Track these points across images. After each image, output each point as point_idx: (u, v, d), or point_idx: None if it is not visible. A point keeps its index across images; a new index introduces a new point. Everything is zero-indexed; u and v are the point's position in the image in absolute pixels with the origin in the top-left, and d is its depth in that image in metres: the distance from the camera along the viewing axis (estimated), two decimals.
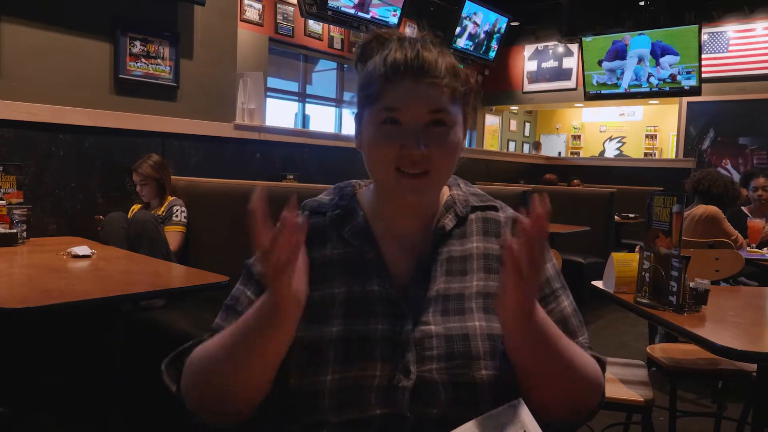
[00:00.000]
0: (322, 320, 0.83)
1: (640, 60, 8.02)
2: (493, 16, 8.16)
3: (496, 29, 8.31)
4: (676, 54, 7.70)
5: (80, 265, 2.00)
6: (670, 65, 7.78)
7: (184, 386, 0.83)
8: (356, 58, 0.91)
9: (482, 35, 8.15)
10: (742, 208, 3.79)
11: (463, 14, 7.69)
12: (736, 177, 7.73)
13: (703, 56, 7.57)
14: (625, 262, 1.85)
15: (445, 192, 0.94)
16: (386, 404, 0.79)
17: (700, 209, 3.22)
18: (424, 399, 0.79)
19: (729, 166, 8.00)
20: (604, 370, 0.92)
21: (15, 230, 2.35)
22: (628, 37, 8.09)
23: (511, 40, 9.38)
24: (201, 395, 0.82)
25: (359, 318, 0.83)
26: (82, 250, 2.12)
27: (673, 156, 9.90)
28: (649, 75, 7.99)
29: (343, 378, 0.79)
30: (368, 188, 0.95)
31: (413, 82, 0.81)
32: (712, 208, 3.20)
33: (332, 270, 0.87)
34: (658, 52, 7.86)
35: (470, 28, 7.94)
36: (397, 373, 0.79)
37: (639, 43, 8.00)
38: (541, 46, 9.95)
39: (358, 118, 0.89)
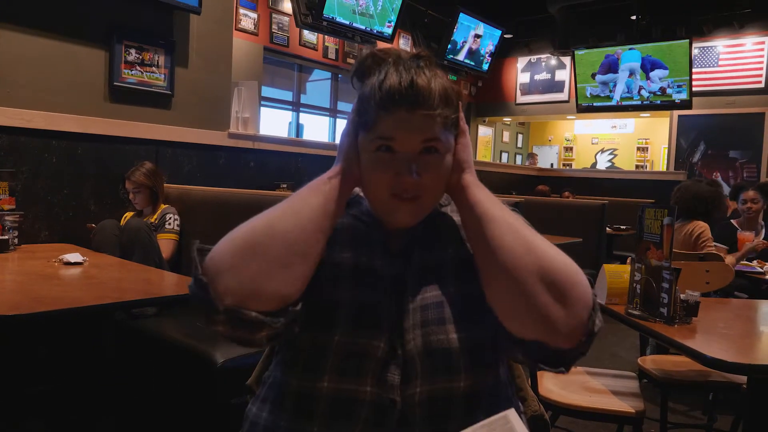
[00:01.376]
0: (333, 283, 0.87)
1: (631, 74, 8.11)
2: (487, 28, 8.23)
3: (489, 41, 8.37)
4: (665, 68, 7.79)
5: (72, 273, 1.99)
6: (659, 78, 7.87)
7: (219, 262, 0.78)
8: (353, 73, 0.93)
9: (475, 47, 8.20)
10: (732, 221, 3.81)
11: (457, 26, 7.75)
12: (727, 190, 7.79)
13: (693, 70, 7.66)
14: (617, 273, 1.87)
15: None
16: (376, 382, 0.82)
17: (688, 226, 3.22)
18: (407, 375, 0.83)
19: (719, 179, 8.07)
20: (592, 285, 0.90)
21: (6, 237, 2.33)
22: (620, 51, 8.18)
23: (504, 52, 9.44)
24: (241, 267, 0.77)
25: (367, 289, 0.87)
26: (74, 257, 2.11)
27: (664, 168, 9.98)
28: (640, 88, 8.07)
29: (350, 342, 0.83)
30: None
31: (408, 113, 0.83)
32: (699, 225, 3.18)
33: (341, 236, 0.91)
34: (647, 67, 7.96)
35: (463, 40, 8.00)
36: (388, 346, 0.84)
37: (630, 57, 8.10)
38: (534, 58, 10.03)
39: (353, 136, 0.90)
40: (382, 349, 0.83)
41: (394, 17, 6.42)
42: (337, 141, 0.95)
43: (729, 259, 3.05)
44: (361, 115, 0.87)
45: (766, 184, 5.02)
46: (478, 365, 0.85)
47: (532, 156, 11.21)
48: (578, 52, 8.48)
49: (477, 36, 8.05)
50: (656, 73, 7.89)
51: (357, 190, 1.01)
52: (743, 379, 1.90)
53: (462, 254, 0.91)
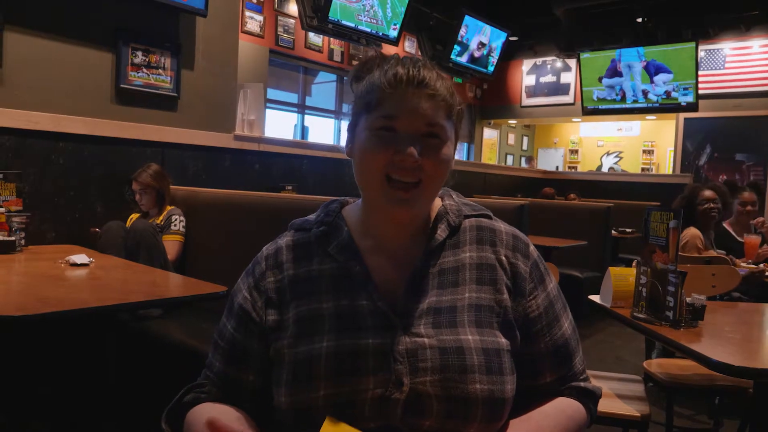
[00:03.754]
0: (313, 335, 0.84)
1: (630, 68, 8.10)
2: (492, 30, 8.22)
3: (494, 43, 8.36)
4: (669, 72, 7.78)
5: (78, 274, 2.00)
6: (664, 82, 7.85)
7: None
8: (353, 75, 0.93)
9: (481, 49, 8.20)
10: (724, 225, 3.66)
11: (462, 28, 7.74)
12: None
13: (699, 73, 7.63)
14: (622, 276, 1.86)
15: (437, 203, 0.95)
16: (379, 417, 0.79)
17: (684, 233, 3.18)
18: (416, 411, 0.79)
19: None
20: (596, 404, 0.94)
21: (13, 238, 2.34)
22: (621, 53, 8.21)
23: (509, 54, 9.44)
24: None
25: (350, 332, 0.83)
26: (80, 258, 2.12)
27: (670, 171, 9.94)
28: (646, 92, 8.06)
29: (337, 393, 0.79)
30: (355, 204, 0.96)
31: (413, 93, 0.84)
32: (687, 233, 3.14)
33: (319, 285, 0.88)
34: (651, 71, 7.95)
35: (469, 42, 7.99)
36: (389, 385, 0.79)
37: (628, 55, 8.10)
38: (539, 60, 10.02)
39: (352, 127, 0.90)
40: (372, 390, 0.79)
41: (399, 20, 6.43)
42: (342, 143, 0.94)
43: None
44: (365, 96, 0.87)
45: (756, 183, 4.89)
46: (495, 415, 0.82)
47: (530, 159, 11.26)
48: (583, 55, 8.47)
49: (482, 43, 8.04)
50: (660, 77, 7.88)
51: (346, 201, 0.99)
52: (749, 383, 1.89)
53: (479, 298, 0.87)
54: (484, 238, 0.92)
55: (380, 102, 0.84)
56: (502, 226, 0.95)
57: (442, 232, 0.90)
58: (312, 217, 0.97)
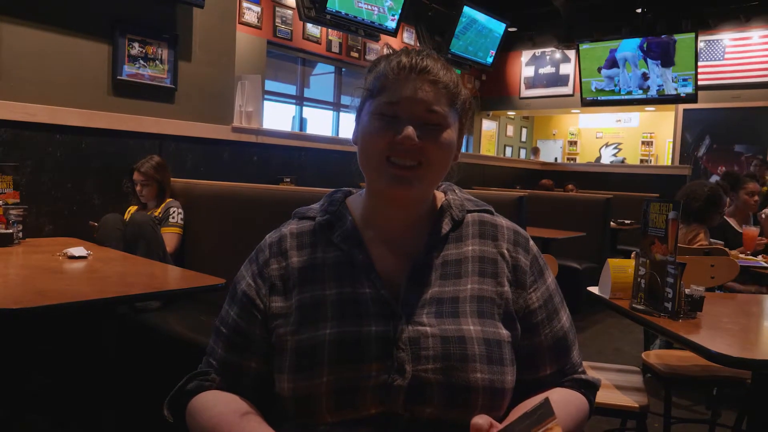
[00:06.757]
0: (315, 323, 0.84)
1: (627, 59, 8.08)
2: (491, 21, 8.19)
3: (493, 35, 8.33)
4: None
5: (76, 266, 2.00)
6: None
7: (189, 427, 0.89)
8: (366, 70, 0.94)
9: (480, 40, 8.16)
10: (725, 217, 3.66)
11: (462, 19, 7.71)
12: None
13: (699, 64, 7.61)
14: (621, 268, 1.86)
15: (441, 197, 0.96)
16: (381, 403, 0.80)
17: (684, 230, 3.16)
18: (418, 398, 0.80)
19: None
20: (595, 394, 0.95)
21: (11, 230, 2.34)
22: (619, 44, 8.18)
23: (508, 45, 9.41)
24: None
25: (352, 319, 0.84)
26: (78, 251, 2.12)
27: (669, 163, 9.94)
28: (646, 76, 8.04)
29: (339, 379, 0.80)
30: (359, 194, 0.97)
31: (416, 80, 0.85)
32: (701, 233, 3.13)
33: (322, 272, 0.89)
34: (650, 62, 7.94)
35: (468, 32, 7.96)
36: (392, 372, 0.80)
37: (626, 46, 8.07)
38: (538, 52, 9.99)
39: (358, 115, 0.92)
40: (374, 377, 0.80)
41: (398, 11, 6.39)
42: (341, 135, 0.95)
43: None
44: (370, 84, 0.89)
45: (755, 174, 4.89)
46: (495, 404, 0.83)
47: (536, 150, 11.26)
48: (583, 46, 8.44)
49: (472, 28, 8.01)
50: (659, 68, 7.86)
51: (349, 191, 1.00)
52: (747, 373, 1.89)
53: (481, 290, 0.88)
54: (486, 233, 0.93)
55: (383, 88, 0.86)
56: (503, 221, 0.96)
57: (445, 225, 0.92)
58: (316, 205, 0.98)
